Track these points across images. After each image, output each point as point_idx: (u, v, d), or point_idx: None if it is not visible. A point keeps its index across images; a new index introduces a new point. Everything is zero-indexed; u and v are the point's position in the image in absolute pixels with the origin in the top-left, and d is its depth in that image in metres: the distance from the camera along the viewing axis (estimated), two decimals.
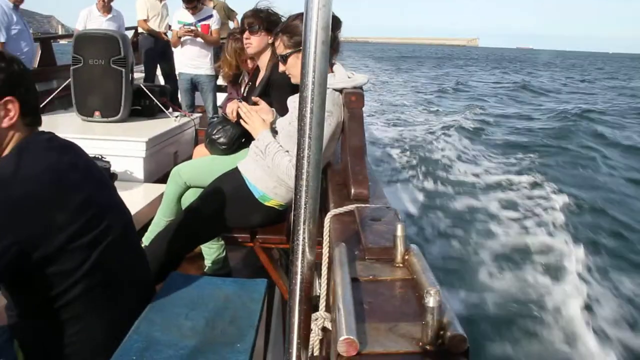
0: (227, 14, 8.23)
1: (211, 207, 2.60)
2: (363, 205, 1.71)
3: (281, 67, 2.57)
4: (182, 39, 6.16)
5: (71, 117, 4.70)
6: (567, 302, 4.58)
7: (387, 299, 1.14)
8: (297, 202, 1.15)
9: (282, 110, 2.68)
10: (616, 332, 4.27)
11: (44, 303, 1.54)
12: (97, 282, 1.56)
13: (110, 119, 4.56)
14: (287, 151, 2.40)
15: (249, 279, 2.02)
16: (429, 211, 7.04)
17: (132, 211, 3.31)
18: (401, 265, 1.27)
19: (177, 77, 6.48)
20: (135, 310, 1.69)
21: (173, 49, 6.53)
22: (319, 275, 1.38)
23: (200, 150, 3.43)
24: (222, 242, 3.07)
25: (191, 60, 6.25)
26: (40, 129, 1.66)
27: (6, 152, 1.56)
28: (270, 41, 3.22)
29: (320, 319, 1.21)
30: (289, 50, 2.49)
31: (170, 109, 4.96)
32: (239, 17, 6.27)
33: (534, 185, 8.29)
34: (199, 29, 6.10)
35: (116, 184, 3.71)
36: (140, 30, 7.29)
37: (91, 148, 3.88)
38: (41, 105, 4.68)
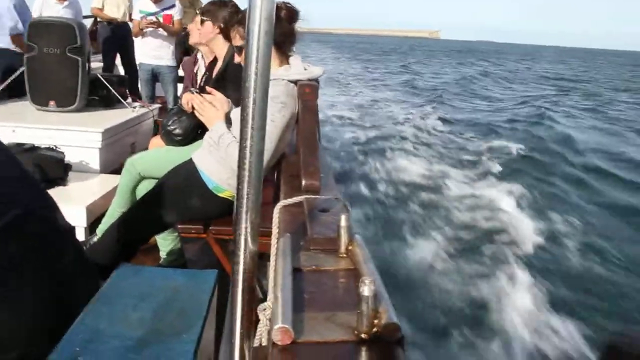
0: (192, 1, 8.12)
1: (165, 198, 2.58)
2: (313, 196, 1.72)
3: (237, 58, 2.57)
4: (143, 30, 6.07)
5: (25, 106, 4.59)
6: (508, 293, 4.71)
7: (328, 288, 1.15)
8: (239, 192, 1.15)
9: (238, 102, 2.67)
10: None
11: None
12: None
13: (65, 109, 4.47)
14: None
15: (199, 270, 2.01)
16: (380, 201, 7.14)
17: (87, 202, 3.31)
18: (345, 255, 1.28)
19: (138, 68, 6.38)
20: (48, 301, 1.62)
21: (134, 38, 6.43)
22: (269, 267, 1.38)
23: (156, 141, 3.40)
24: (177, 233, 3.05)
25: (153, 51, 6.15)
26: None
27: None
28: (217, 30, 3.24)
29: (268, 309, 1.22)
30: (244, 42, 2.47)
31: (129, 100, 4.89)
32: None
33: (482, 175, 8.53)
34: (161, 20, 6.02)
35: (71, 174, 3.67)
36: (99, 19, 7.16)
37: (45, 138, 3.85)
38: None
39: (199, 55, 3.95)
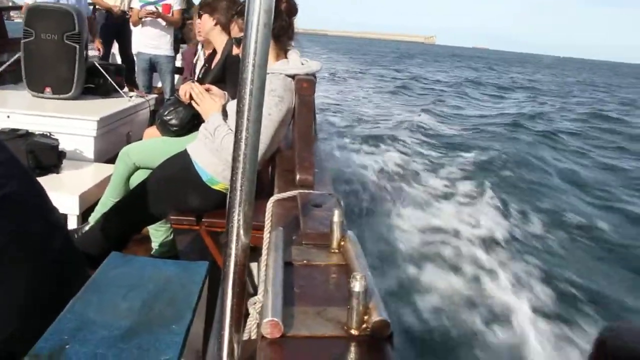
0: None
1: (158, 189, 2.57)
2: (307, 191, 1.72)
3: (235, 50, 2.56)
4: (142, 19, 6.05)
5: (21, 92, 4.56)
6: (498, 294, 4.75)
7: (319, 283, 1.14)
8: (233, 184, 1.14)
9: (235, 94, 2.66)
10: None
11: None
12: None
13: (61, 96, 4.44)
14: None
15: (191, 261, 2.00)
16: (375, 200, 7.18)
17: (80, 190, 3.29)
18: (337, 251, 1.28)
19: (136, 57, 6.35)
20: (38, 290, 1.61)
21: (132, 27, 6.40)
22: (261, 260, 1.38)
23: (151, 131, 3.38)
24: (170, 224, 3.05)
25: (151, 40, 6.13)
26: None
27: None
28: (214, 22, 3.23)
29: (258, 303, 1.21)
30: (243, 34, 2.46)
31: (126, 89, 4.86)
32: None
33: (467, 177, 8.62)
34: (160, 9, 6.00)
35: (65, 162, 3.64)
36: (98, 6, 7.11)
37: (40, 125, 3.83)
38: None
39: (199, 46, 3.93)
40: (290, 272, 1.15)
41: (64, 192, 3.19)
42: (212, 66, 3.38)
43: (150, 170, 2.80)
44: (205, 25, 3.30)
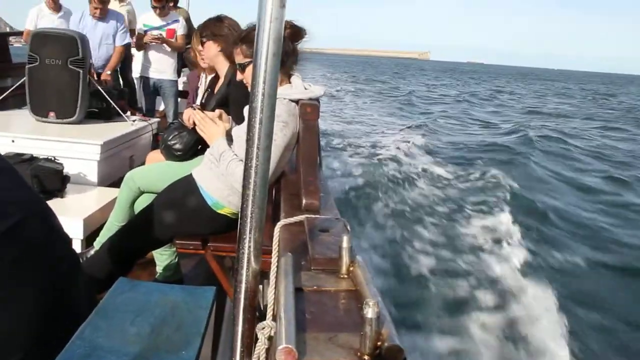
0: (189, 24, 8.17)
1: (163, 213, 2.57)
2: (313, 215, 1.73)
3: (239, 76, 2.58)
4: (146, 44, 6.11)
5: (25, 116, 4.60)
6: (512, 318, 4.71)
7: (329, 309, 1.15)
8: (243, 211, 1.16)
9: (239, 120, 2.68)
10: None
11: None
12: None
13: (65, 120, 4.49)
14: (242, 160, 2.40)
15: (197, 286, 2.01)
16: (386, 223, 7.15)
17: (84, 215, 3.30)
18: (346, 276, 1.29)
19: (139, 81, 6.40)
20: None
21: (136, 52, 6.46)
22: (269, 285, 1.39)
23: (154, 155, 3.39)
24: (175, 248, 3.05)
25: (155, 64, 6.20)
26: None
27: None
28: (219, 48, 3.25)
29: (267, 328, 1.22)
30: (247, 60, 2.48)
31: (128, 113, 4.90)
32: None
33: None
34: (164, 34, 6.06)
35: (69, 186, 3.66)
36: None
37: (44, 149, 3.85)
38: None
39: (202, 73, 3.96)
40: (301, 298, 1.16)
41: (68, 216, 3.20)
42: (215, 91, 3.41)
43: (155, 195, 2.81)
44: (209, 52, 3.31)
